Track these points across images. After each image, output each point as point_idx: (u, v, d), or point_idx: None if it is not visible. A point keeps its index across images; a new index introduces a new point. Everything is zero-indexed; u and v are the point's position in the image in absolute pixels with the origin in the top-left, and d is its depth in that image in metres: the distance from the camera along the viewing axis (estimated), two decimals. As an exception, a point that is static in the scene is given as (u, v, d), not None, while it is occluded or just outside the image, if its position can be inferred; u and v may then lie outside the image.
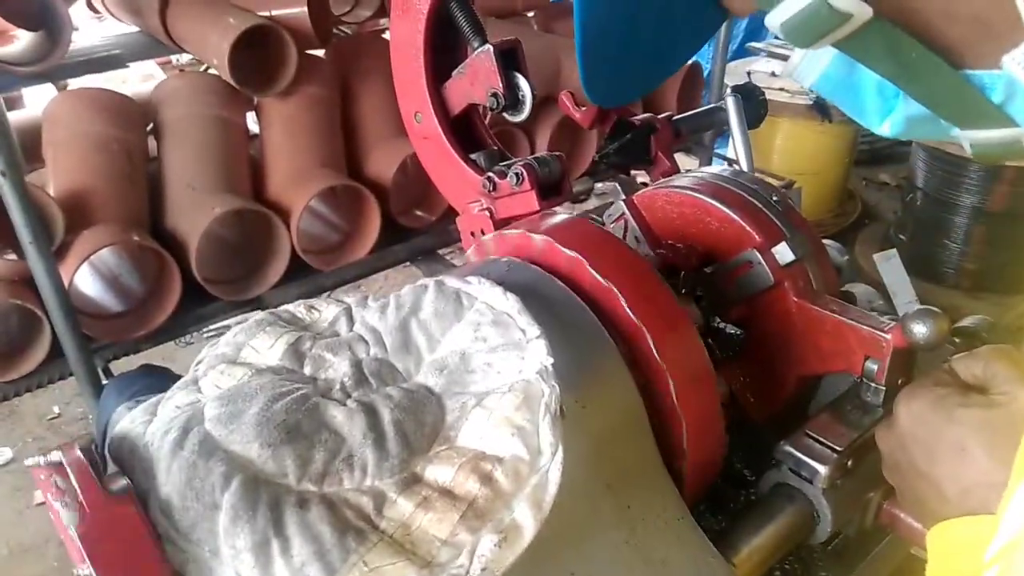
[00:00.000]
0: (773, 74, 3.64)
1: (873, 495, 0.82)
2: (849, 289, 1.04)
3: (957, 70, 0.48)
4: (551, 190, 0.91)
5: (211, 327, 2.34)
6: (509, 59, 0.89)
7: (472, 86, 0.93)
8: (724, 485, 0.92)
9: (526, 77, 0.89)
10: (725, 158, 2.78)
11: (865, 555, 0.90)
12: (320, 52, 2.22)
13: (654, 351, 0.74)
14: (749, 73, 3.68)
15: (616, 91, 0.76)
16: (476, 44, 0.90)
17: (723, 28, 2.78)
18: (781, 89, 3.51)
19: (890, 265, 2.37)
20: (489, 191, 0.93)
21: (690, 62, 2.57)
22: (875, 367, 0.79)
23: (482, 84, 0.91)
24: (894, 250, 2.41)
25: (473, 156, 0.98)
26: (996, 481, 0.57)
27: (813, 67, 0.55)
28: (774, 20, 0.50)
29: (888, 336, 0.78)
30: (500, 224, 0.95)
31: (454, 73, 0.95)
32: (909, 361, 0.81)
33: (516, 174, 0.89)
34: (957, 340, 0.90)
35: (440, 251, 2.36)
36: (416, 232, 2.29)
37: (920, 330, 0.73)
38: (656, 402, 0.75)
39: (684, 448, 0.75)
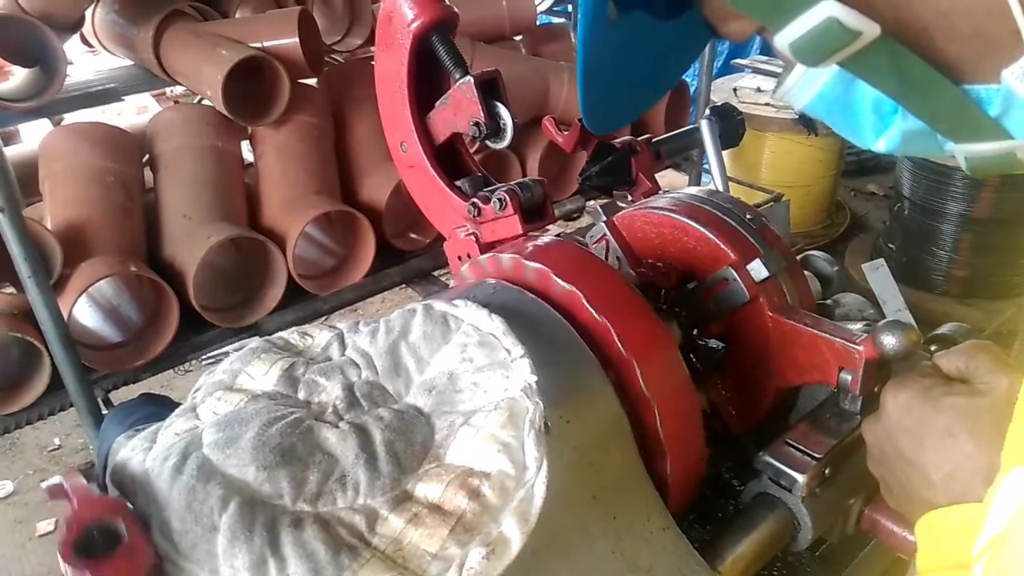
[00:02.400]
0: (759, 90, 3.69)
1: (854, 502, 0.83)
2: (840, 299, 1.06)
3: (956, 85, 0.50)
4: (534, 214, 0.94)
5: (209, 354, 2.35)
6: (489, 89, 0.92)
7: (455, 116, 0.96)
8: (713, 497, 0.95)
9: (507, 106, 0.92)
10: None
11: (851, 559, 0.92)
12: (312, 81, 2.26)
13: (619, 344, 0.76)
14: (735, 90, 3.72)
15: (612, 117, 0.78)
16: (458, 76, 0.94)
17: (708, 46, 2.82)
18: (767, 104, 3.55)
19: (878, 275, 2.40)
20: (474, 216, 0.96)
21: (676, 81, 2.61)
22: (849, 378, 0.81)
23: (464, 114, 0.94)
24: (881, 260, 2.44)
25: (458, 183, 1.01)
26: (980, 465, 0.60)
27: (808, 88, 0.56)
28: (783, 40, 0.51)
29: (860, 348, 0.80)
30: (486, 248, 0.97)
31: (437, 104, 0.98)
32: (883, 370, 0.83)
33: (499, 199, 0.92)
34: (933, 348, 0.92)
35: (435, 272, 2.38)
36: (411, 255, 2.31)
37: (889, 341, 0.75)
38: (629, 398, 0.77)
39: (664, 446, 0.76)
